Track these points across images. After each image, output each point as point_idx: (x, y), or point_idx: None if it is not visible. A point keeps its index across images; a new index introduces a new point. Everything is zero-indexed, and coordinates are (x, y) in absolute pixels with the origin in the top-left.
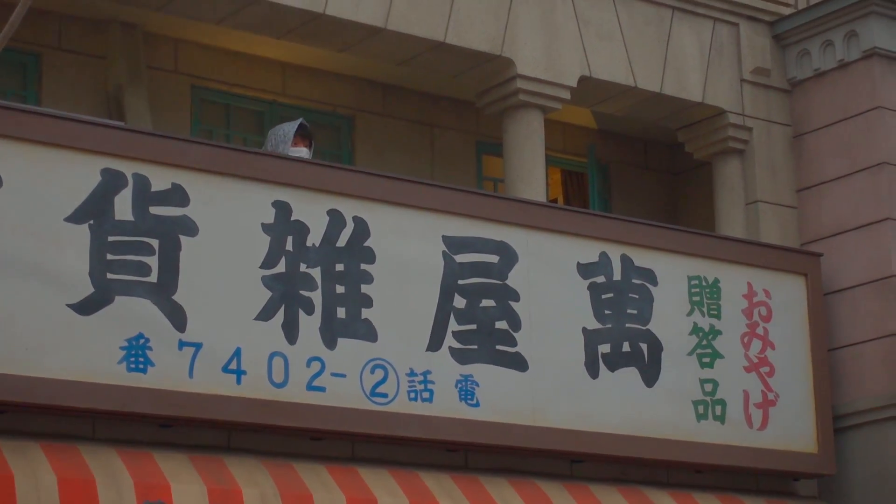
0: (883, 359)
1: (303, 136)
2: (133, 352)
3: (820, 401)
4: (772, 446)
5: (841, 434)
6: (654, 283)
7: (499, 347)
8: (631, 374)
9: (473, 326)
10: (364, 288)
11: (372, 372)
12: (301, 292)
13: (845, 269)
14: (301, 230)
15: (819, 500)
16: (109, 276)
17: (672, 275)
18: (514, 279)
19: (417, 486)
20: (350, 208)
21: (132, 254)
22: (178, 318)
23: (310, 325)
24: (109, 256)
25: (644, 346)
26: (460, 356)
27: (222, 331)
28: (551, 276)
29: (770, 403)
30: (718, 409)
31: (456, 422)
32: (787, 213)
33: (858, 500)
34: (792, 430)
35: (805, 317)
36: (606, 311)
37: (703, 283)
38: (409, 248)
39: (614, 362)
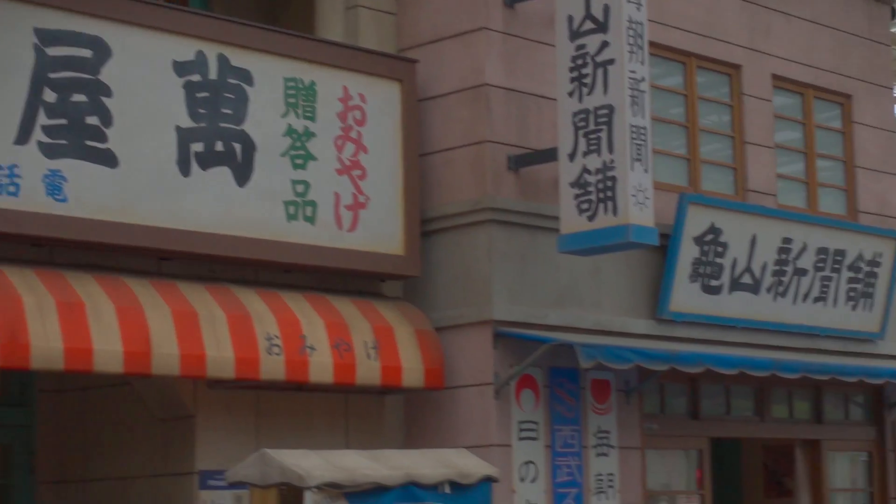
0: (472, 166)
1: None
2: None
3: (409, 205)
4: (360, 248)
5: (428, 237)
6: (251, 83)
7: (89, 143)
8: (223, 174)
9: (64, 121)
10: None
11: None
12: None
13: (440, 76)
14: None
15: (404, 301)
16: None
17: (268, 76)
18: (106, 75)
19: (1, 281)
20: None
21: None
22: None
23: None
24: None
25: (238, 146)
26: (49, 150)
27: None
28: (145, 73)
29: (360, 206)
30: (309, 210)
31: (42, 217)
32: (386, 19)
33: (442, 301)
34: (381, 232)
35: (399, 122)
36: (201, 110)
37: (300, 86)
38: None
39: (207, 161)
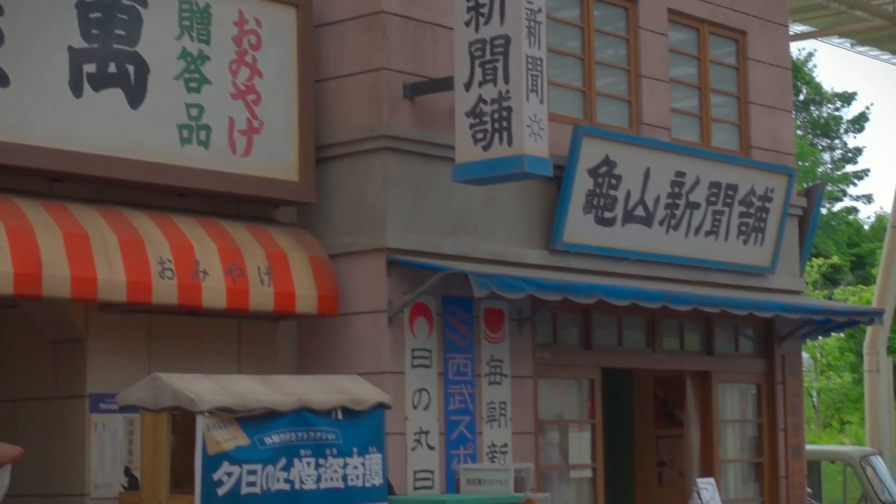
0: (367, 93)
1: None
2: None
3: (304, 131)
4: (254, 173)
5: (323, 164)
6: (145, 5)
7: None
8: (116, 95)
9: None
10: None
11: None
12: None
13: (337, 2)
14: None
15: (298, 228)
16: None
17: None
18: None
19: None
20: None
21: None
22: None
23: None
24: None
25: (131, 68)
26: None
27: None
28: None
29: (255, 131)
30: (203, 134)
31: None
32: None
33: (336, 227)
34: (275, 158)
35: (294, 47)
36: (94, 31)
37: (195, 8)
38: None
39: (99, 82)
